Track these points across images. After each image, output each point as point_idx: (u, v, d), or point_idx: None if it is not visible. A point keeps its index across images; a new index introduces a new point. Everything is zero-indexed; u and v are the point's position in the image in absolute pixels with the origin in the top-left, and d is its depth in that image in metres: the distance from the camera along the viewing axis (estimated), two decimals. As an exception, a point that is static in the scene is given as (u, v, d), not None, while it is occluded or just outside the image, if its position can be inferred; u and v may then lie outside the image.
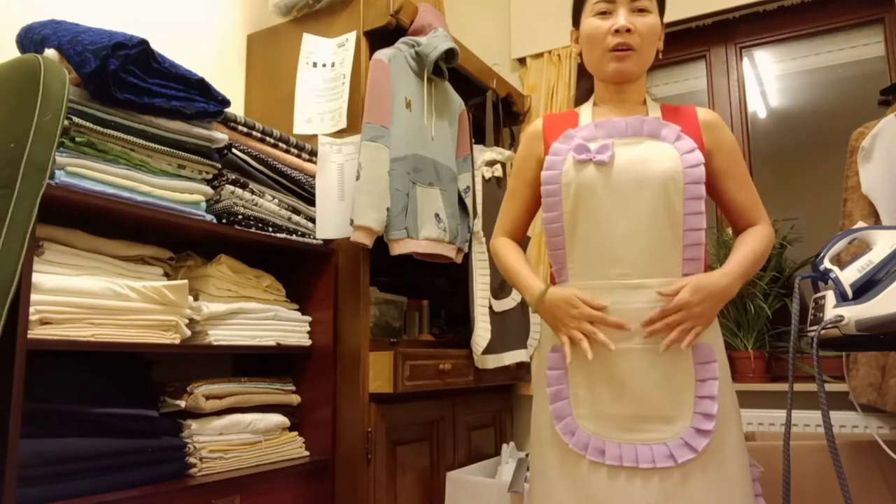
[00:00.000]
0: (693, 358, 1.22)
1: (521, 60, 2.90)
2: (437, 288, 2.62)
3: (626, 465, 1.19)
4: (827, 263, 1.36)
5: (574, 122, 1.37)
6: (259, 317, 1.73)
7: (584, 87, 1.48)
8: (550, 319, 1.29)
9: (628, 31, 1.25)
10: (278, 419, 1.74)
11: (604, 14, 1.28)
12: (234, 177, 1.66)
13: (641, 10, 1.27)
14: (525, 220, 1.46)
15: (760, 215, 1.36)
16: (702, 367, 1.22)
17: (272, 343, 1.75)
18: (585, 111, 1.39)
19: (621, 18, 1.25)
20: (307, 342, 1.88)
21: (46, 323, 1.26)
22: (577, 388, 1.26)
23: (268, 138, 1.84)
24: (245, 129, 1.78)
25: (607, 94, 1.36)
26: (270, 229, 1.75)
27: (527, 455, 2.14)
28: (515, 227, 1.46)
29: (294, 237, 1.83)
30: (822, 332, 1.29)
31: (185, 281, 1.53)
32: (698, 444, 1.18)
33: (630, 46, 1.26)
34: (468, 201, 2.19)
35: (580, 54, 1.38)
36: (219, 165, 1.62)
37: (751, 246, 1.30)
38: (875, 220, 1.90)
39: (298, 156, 1.93)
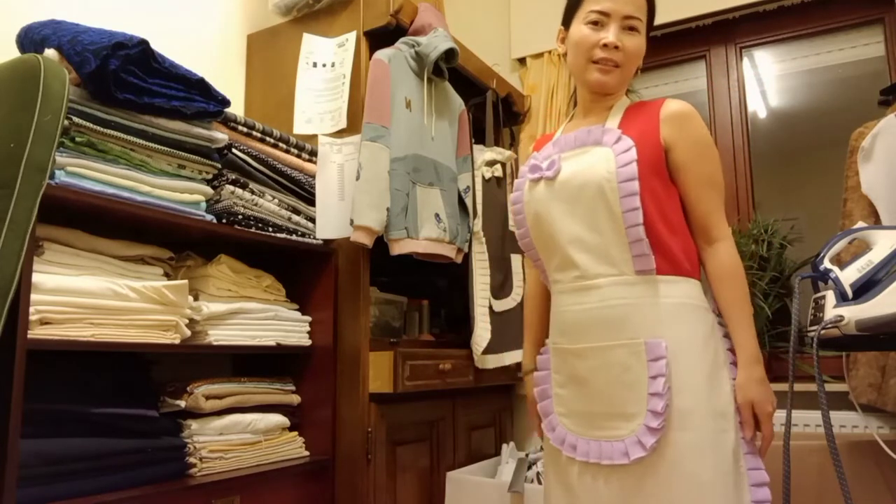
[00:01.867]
0: (645, 355, 1.22)
1: (521, 60, 2.90)
2: (437, 288, 2.62)
3: (591, 462, 1.24)
4: (827, 263, 1.36)
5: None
6: (259, 317, 1.73)
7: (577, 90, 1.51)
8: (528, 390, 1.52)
9: (616, 47, 1.28)
10: (278, 419, 1.75)
11: (595, 24, 1.30)
12: (234, 177, 1.66)
13: (632, 29, 1.30)
14: None
15: (722, 230, 1.28)
16: (652, 364, 1.21)
17: (272, 343, 1.75)
18: (563, 127, 1.46)
19: (611, 35, 1.28)
20: (307, 342, 1.88)
21: (46, 323, 1.26)
22: (557, 387, 1.35)
23: (268, 138, 1.84)
24: (245, 129, 1.78)
25: (586, 98, 1.40)
26: (270, 229, 1.75)
27: (527, 455, 2.14)
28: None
29: (294, 237, 1.83)
30: (822, 332, 1.29)
31: (185, 281, 1.53)
32: (647, 442, 1.18)
33: (616, 63, 1.29)
34: (468, 201, 2.19)
35: (565, 54, 1.41)
36: (219, 165, 1.62)
37: (737, 306, 1.25)
38: (875, 220, 1.90)
39: (298, 156, 1.93)
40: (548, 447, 1.37)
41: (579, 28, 1.32)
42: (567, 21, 1.39)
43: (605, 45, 1.28)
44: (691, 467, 1.17)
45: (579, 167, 1.28)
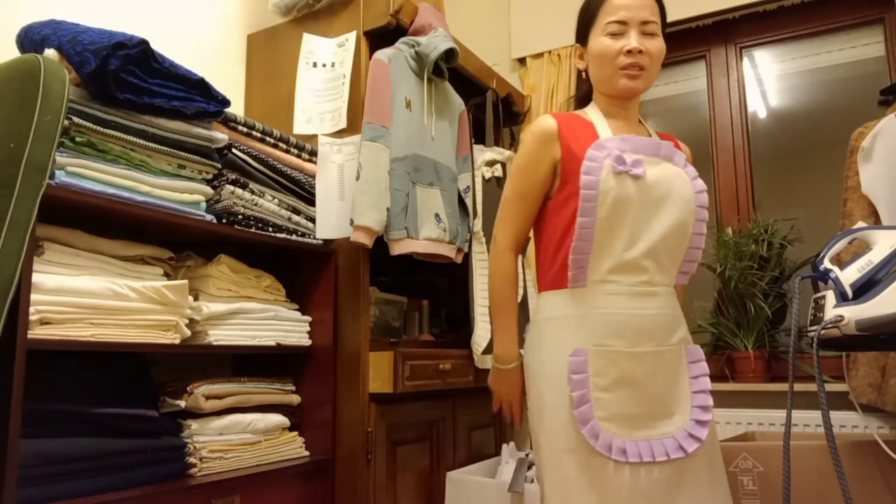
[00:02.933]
0: (685, 357, 1.37)
1: (521, 60, 2.90)
2: (437, 288, 2.62)
3: (644, 461, 1.26)
4: (827, 263, 1.36)
5: (590, 130, 1.38)
6: (259, 317, 1.73)
7: (582, 93, 1.53)
8: (494, 383, 1.51)
9: (640, 52, 1.33)
10: (278, 419, 1.75)
11: (615, 35, 1.34)
12: (234, 177, 1.66)
13: (650, 33, 1.35)
14: (531, 225, 1.45)
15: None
16: (693, 366, 1.36)
17: (272, 343, 1.75)
18: (600, 122, 1.41)
19: (633, 40, 1.33)
20: (307, 342, 1.88)
21: (46, 323, 1.26)
22: (598, 392, 1.29)
23: (268, 138, 1.84)
24: (245, 129, 1.78)
25: (612, 108, 1.42)
26: (270, 229, 1.75)
27: (527, 455, 2.14)
28: (521, 233, 1.44)
29: (294, 237, 1.83)
30: (822, 332, 1.29)
31: (185, 281, 1.53)
32: (701, 434, 1.30)
33: (641, 66, 1.34)
34: (468, 201, 2.19)
35: (585, 70, 1.45)
36: (219, 165, 1.62)
37: None
38: (875, 220, 1.90)
39: (298, 156, 1.93)
40: (579, 455, 1.26)
41: (600, 40, 1.36)
42: (582, 38, 1.44)
43: (629, 52, 1.33)
44: (716, 453, 1.36)
45: (661, 177, 1.33)
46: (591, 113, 1.43)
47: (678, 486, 1.27)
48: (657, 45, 1.36)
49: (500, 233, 1.43)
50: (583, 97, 1.52)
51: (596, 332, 1.31)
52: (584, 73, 1.46)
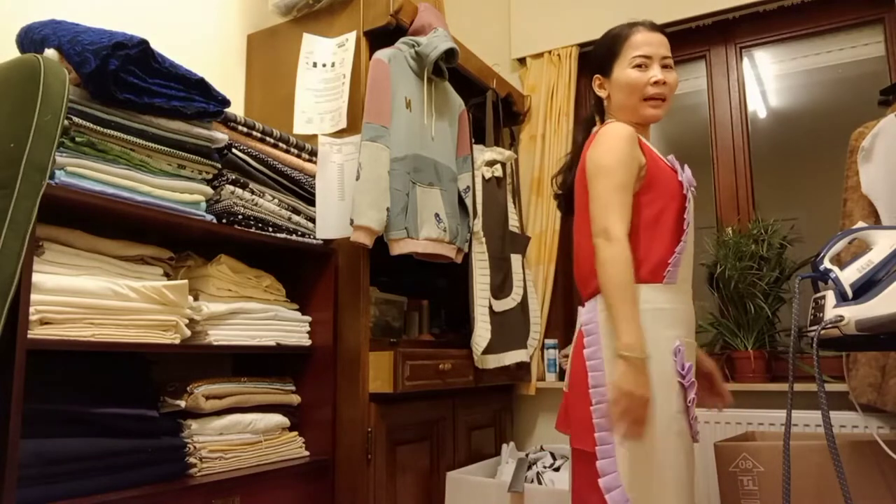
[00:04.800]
0: None
1: (521, 60, 2.90)
2: (437, 288, 2.63)
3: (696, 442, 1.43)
4: (827, 263, 1.36)
5: (644, 145, 1.51)
6: (259, 317, 1.73)
7: (589, 116, 1.66)
8: (630, 385, 1.31)
9: (664, 83, 1.49)
10: (278, 419, 1.75)
11: (640, 67, 1.49)
12: (234, 177, 1.66)
13: (668, 67, 1.51)
14: None
15: None
16: None
17: (272, 343, 1.75)
18: (644, 140, 1.53)
19: (658, 73, 1.48)
20: (307, 342, 1.88)
21: (46, 323, 1.26)
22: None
23: (268, 138, 1.84)
24: (245, 129, 1.78)
25: (637, 132, 1.53)
26: (270, 229, 1.75)
27: (527, 455, 2.14)
28: (629, 223, 1.42)
29: (294, 237, 1.83)
30: (822, 332, 1.29)
31: (185, 281, 1.53)
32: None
33: (664, 97, 1.50)
34: (468, 201, 2.19)
35: (606, 98, 1.56)
36: (219, 165, 1.62)
37: None
38: (875, 220, 1.90)
39: (298, 156, 1.93)
40: (683, 440, 1.36)
41: (626, 72, 1.50)
42: (604, 69, 1.55)
43: (655, 83, 1.48)
44: None
45: None
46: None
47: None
48: (674, 77, 1.52)
49: (614, 222, 1.37)
50: (589, 119, 1.64)
51: (685, 327, 1.44)
52: (604, 101, 1.58)
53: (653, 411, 1.34)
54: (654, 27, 1.52)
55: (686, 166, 1.52)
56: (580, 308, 1.51)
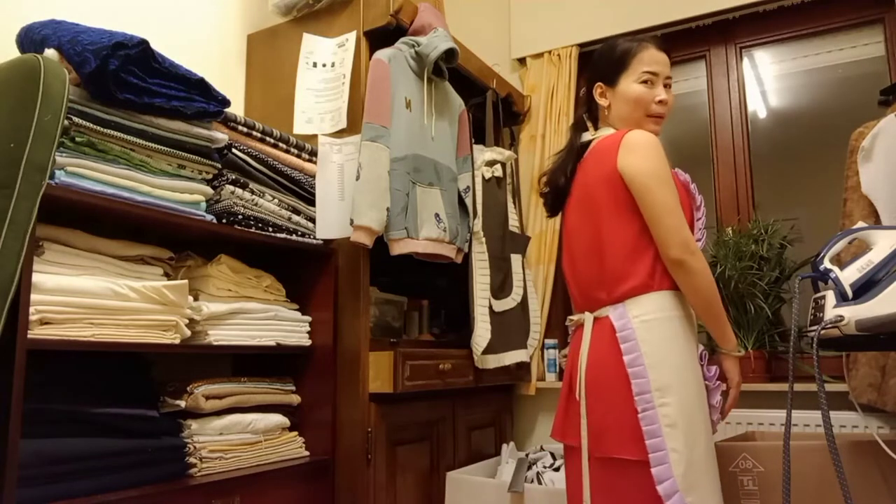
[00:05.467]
0: None
1: (521, 60, 2.90)
2: (437, 288, 2.62)
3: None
4: (827, 263, 1.36)
5: None
6: (259, 317, 1.73)
7: (578, 117, 1.68)
8: (737, 372, 1.54)
9: (666, 103, 1.55)
10: (278, 419, 1.75)
11: (647, 83, 1.53)
12: (234, 177, 1.66)
13: (669, 87, 1.57)
14: None
15: None
16: None
17: (272, 343, 1.75)
18: None
19: (662, 93, 1.54)
20: (307, 342, 1.88)
21: (46, 323, 1.26)
22: None
23: (268, 138, 1.84)
24: (245, 129, 1.78)
25: None
26: (270, 229, 1.75)
27: (527, 455, 2.14)
28: None
29: (294, 237, 1.83)
30: (822, 332, 1.29)
31: (185, 281, 1.53)
32: None
33: (663, 115, 1.57)
34: (468, 201, 2.19)
35: (607, 107, 1.58)
36: (219, 165, 1.62)
37: None
38: (875, 220, 1.90)
39: (298, 156, 1.93)
40: (713, 440, 1.44)
41: (633, 87, 1.54)
42: (609, 79, 1.58)
43: (659, 102, 1.54)
44: None
45: None
46: None
47: None
48: (672, 97, 1.58)
49: (689, 234, 1.42)
50: (580, 123, 1.65)
51: (694, 330, 1.48)
52: (603, 109, 1.60)
53: (697, 416, 1.37)
54: (661, 46, 1.57)
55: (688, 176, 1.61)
56: (586, 313, 1.50)
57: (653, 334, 1.38)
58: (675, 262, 1.39)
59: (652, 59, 1.54)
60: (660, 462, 1.32)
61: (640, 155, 1.43)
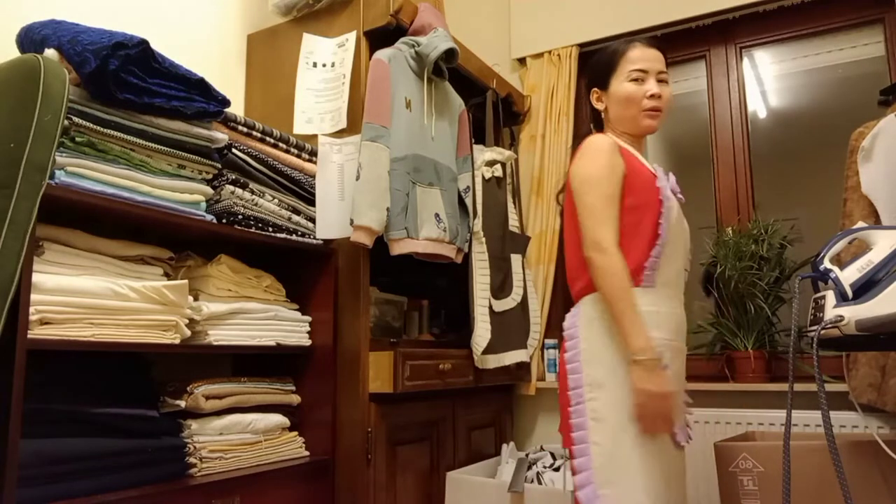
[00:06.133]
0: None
1: (521, 60, 2.90)
2: (437, 288, 2.62)
3: (682, 444, 1.47)
4: (827, 263, 1.36)
5: (631, 154, 1.56)
6: (259, 317, 1.73)
7: (593, 125, 1.69)
8: (647, 385, 1.35)
9: (659, 97, 1.54)
10: (278, 419, 1.75)
11: (637, 81, 1.54)
12: (234, 177, 1.66)
13: (664, 82, 1.57)
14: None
15: None
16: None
17: (272, 343, 1.75)
18: (631, 150, 1.57)
19: (654, 87, 1.54)
20: (307, 342, 1.88)
21: (46, 323, 1.26)
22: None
23: (268, 138, 1.84)
24: (245, 129, 1.78)
25: (632, 143, 1.60)
26: (270, 229, 1.75)
27: (527, 455, 2.14)
28: (618, 232, 1.46)
29: (294, 237, 1.83)
30: (822, 332, 1.30)
31: (185, 281, 1.53)
32: (690, 433, 1.52)
33: (660, 109, 1.56)
34: (468, 201, 2.19)
35: (604, 110, 1.62)
36: (219, 165, 1.62)
37: None
38: (875, 220, 1.90)
39: (298, 156, 1.93)
40: (662, 440, 1.41)
41: (623, 86, 1.56)
42: (602, 82, 1.61)
43: (651, 96, 1.54)
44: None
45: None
46: (620, 142, 1.59)
47: (683, 469, 1.49)
48: (669, 91, 1.58)
49: (605, 234, 1.43)
50: (588, 134, 1.65)
51: (664, 328, 1.46)
52: (601, 113, 1.63)
53: (624, 413, 1.39)
54: (650, 43, 1.58)
55: (671, 175, 1.58)
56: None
57: (593, 332, 1.45)
58: (586, 259, 1.45)
59: (640, 56, 1.55)
60: (581, 454, 1.40)
61: (580, 160, 1.52)
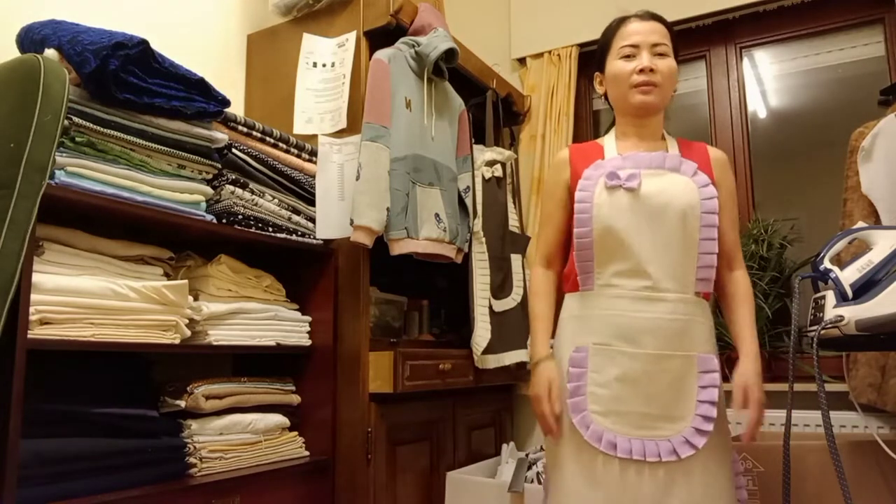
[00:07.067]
0: (696, 366, 1.37)
1: (521, 60, 2.90)
2: (437, 288, 2.62)
3: (635, 459, 1.33)
4: (827, 263, 1.36)
5: (600, 153, 1.52)
6: (259, 317, 1.73)
7: (611, 121, 1.62)
8: (533, 384, 1.46)
9: (651, 70, 1.43)
10: (278, 419, 1.75)
11: (628, 57, 1.46)
12: (234, 177, 1.66)
13: (661, 55, 1.46)
14: (560, 240, 1.56)
15: (740, 260, 1.53)
16: (704, 375, 1.38)
17: (272, 343, 1.75)
18: (609, 144, 1.53)
19: (645, 60, 1.44)
20: (307, 342, 1.88)
21: (46, 323, 1.26)
22: (595, 387, 1.38)
23: (268, 138, 1.84)
24: (245, 129, 1.78)
25: (630, 128, 1.52)
26: (270, 229, 1.75)
27: (527, 455, 2.14)
28: (552, 249, 1.56)
29: (294, 237, 1.83)
30: (822, 332, 1.30)
31: (185, 281, 1.53)
32: (698, 443, 1.33)
33: (653, 83, 1.44)
34: (468, 201, 2.19)
35: (605, 95, 1.56)
36: (219, 165, 1.62)
37: (750, 317, 1.46)
38: (875, 220, 1.90)
39: (298, 156, 1.93)
40: (573, 443, 1.38)
41: (615, 63, 1.48)
42: (601, 65, 1.55)
43: (641, 70, 1.43)
44: (715, 467, 1.35)
45: (662, 187, 1.41)
46: (606, 137, 1.56)
47: (668, 488, 1.32)
48: (668, 63, 1.46)
49: (534, 251, 1.55)
50: (612, 124, 1.62)
51: (599, 331, 1.40)
52: (605, 99, 1.58)
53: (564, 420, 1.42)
54: (647, 16, 1.49)
55: (640, 172, 1.42)
56: None
57: (560, 331, 1.49)
58: None
59: (630, 31, 1.47)
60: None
61: None
